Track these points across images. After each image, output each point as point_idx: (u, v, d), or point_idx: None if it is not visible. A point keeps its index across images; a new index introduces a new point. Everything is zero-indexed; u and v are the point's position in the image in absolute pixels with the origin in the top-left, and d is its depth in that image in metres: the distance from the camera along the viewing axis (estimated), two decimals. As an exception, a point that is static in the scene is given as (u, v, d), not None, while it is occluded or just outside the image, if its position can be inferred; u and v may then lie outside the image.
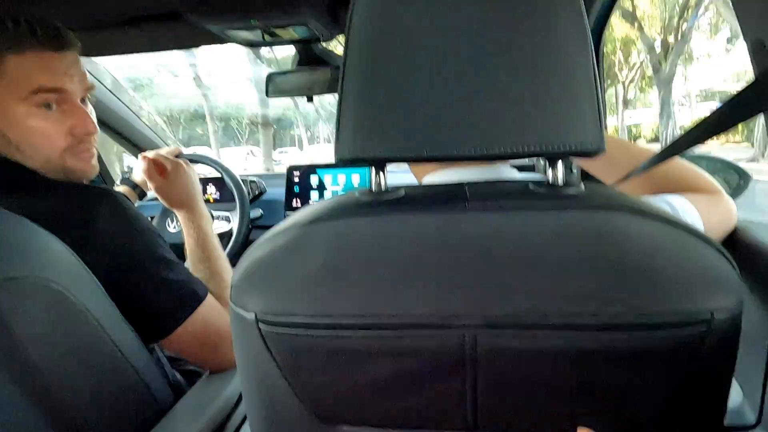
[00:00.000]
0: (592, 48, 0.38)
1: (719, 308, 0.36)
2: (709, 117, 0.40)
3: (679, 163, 0.66)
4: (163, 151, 1.22)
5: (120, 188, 1.21)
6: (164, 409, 0.72)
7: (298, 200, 1.60)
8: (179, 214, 0.94)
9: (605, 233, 0.37)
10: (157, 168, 0.93)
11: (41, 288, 0.53)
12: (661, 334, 0.36)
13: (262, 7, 0.88)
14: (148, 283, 0.70)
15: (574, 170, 1.15)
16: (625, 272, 0.36)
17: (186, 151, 1.24)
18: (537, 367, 0.38)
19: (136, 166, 1.19)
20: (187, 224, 0.92)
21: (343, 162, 0.41)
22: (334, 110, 0.41)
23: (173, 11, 0.93)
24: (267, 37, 1.11)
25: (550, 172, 0.41)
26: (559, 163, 0.40)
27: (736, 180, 0.94)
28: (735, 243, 0.64)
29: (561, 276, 0.36)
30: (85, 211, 0.66)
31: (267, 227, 1.64)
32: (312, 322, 0.39)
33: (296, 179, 1.62)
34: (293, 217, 0.44)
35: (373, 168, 0.43)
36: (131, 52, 1.22)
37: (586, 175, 0.96)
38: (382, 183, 0.43)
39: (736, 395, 0.64)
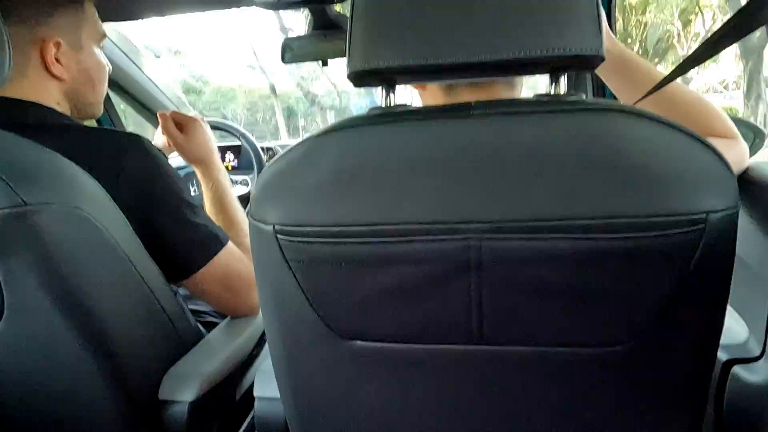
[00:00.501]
0: None
1: (714, 209, 0.37)
2: (718, 31, 0.41)
3: (703, 103, 0.66)
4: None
5: None
6: (188, 347, 0.76)
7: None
8: (198, 170, 0.97)
9: (603, 134, 0.38)
10: (176, 125, 0.97)
11: (73, 215, 0.56)
12: (658, 234, 0.37)
13: None
14: (174, 224, 0.73)
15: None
16: (622, 173, 0.37)
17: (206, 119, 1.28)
18: (539, 271, 0.40)
19: (157, 133, 1.23)
20: (206, 178, 0.96)
21: (355, 76, 0.43)
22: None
23: None
24: (283, -1, 1.12)
25: (553, 87, 0.42)
26: (562, 78, 0.42)
27: (752, 138, 0.94)
28: (743, 180, 0.65)
29: (561, 178, 0.38)
30: (116, 153, 0.69)
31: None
32: (324, 230, 0.42)
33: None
34: (309, 135, 0.46)
35: (382, 89, 0.45)
36: (142, 17, 1.24)
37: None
38: (392, 101, 0.45)
39: (742, 330, 0.65)
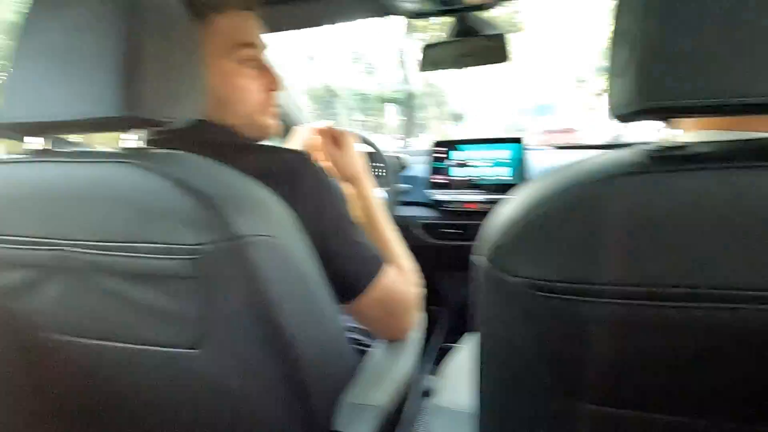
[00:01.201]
0: None
1: None
2: None
3: None
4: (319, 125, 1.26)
5: None
6: (353, 371, 0.74)
7: (441, 176, 1.58)
8: (352, 186, 0.93)
9: None
10: (331, 139, 0.94)
11: (274, 245, 0.55)
12: None
13: None
14: (343, 244, 0.71)
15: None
16: None
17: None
18: None
19: (294, 140, 1.23)
20: (360, 195, 0.92)
21: (622, 118, 0.38)
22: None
23: None
24: (430, 6, 1.08)
25: None
26: None
27: None
28: None
29: None
30: (289, 172, 0.68)
31: (410, 203, 1.61)
32: (604, 289, 0.37)
33: (439, 155, 1.60)
34: (565, 175, 0.40)
35: (661, 122, 0.38)
36: (296, 28, 1.26)
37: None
38: (672, 136, 0.38)
39: None
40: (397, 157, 1.60)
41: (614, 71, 0.39)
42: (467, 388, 0.54)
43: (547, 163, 1.59)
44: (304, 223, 0.65)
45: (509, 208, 0.42)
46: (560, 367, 0.41)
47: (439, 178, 1.58)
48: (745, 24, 0.33)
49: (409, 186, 1.52)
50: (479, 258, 0.44)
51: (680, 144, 0.38)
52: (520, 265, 0.39)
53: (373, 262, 0.74)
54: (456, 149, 1.58)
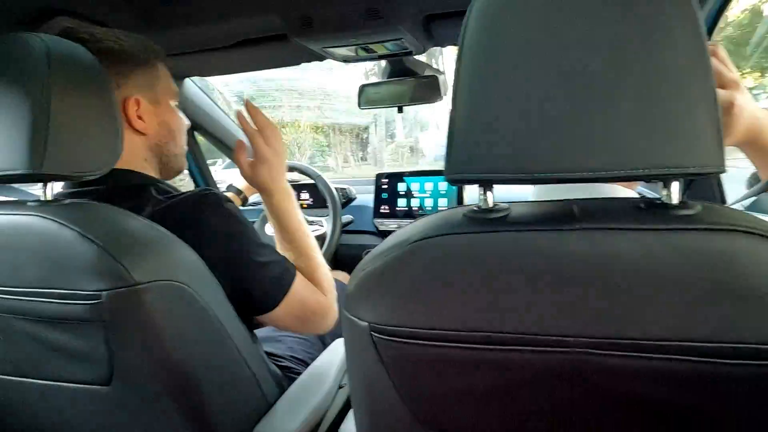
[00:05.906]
0: (709, 58, 0.37)
1: None
2: None
3: None
4: None
5: (227, 195, 1.32)
6: (269, 402, 0.79)
7: (386, 207, 1.65)
8: (263, 198, 0.92)
9: (726, 256, 0.36)
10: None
11: (175, 289, 0.60)
12: None
13: (361, 27, 0.92)
14: (250, 269, 0.75)
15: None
16: (749, 299, 0.35)
17: None
18: (644, 390, 0.38)
19: (239, 174, 1.27)
20: (271, 204, 0.91)
21: (453, 181, 0.44)
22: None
23: (279, 34, 1.01)
24: (361, 53, 1.16)
25: (663, 191, 0.40)
26: (674, 184, 0.40)
27: None
28: None
29: (677, 301, 0.36)
30: (193, 212, 0.72)
31: (357, 232, 1.65)
32: (420, 332, 0.42)
33: (384, 186, 1.67)
34: (404, 233, 0.47)
35: (482, 186, 0.44)
36: (238, 71, 1.32)
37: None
38: (489, 200, 0.44)
39: None
40: (344, 189, 1.66)
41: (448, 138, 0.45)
42: None
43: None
44: (210, 256, 0.69)
45: (364, 261, 0.48)
46: (411, 398, 0.47)
47: (385, 208, 1.65)
48: (544, 106, 0.39)
49: (351, 217, 1.59)
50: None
51: (492, 207, 0.44)
52: (362, 312, 0.45)
53: (280, 280, 0.78)
54: (402, 180, 1.65)
